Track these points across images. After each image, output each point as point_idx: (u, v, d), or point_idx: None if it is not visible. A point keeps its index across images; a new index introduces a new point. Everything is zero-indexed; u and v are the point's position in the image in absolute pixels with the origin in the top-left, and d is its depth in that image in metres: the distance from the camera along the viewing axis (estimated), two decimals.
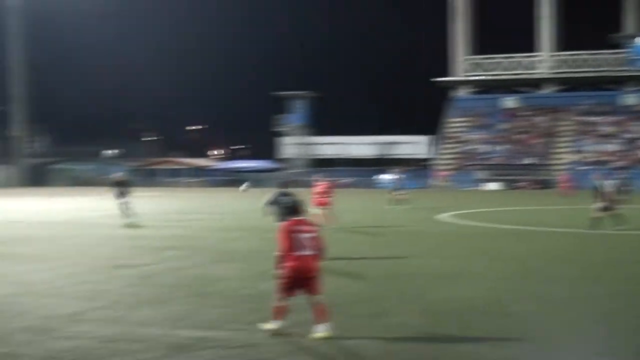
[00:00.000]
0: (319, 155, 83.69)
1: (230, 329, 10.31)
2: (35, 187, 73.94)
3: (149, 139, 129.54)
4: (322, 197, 26.32)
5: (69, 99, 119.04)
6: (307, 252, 9.91)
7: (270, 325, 9.97)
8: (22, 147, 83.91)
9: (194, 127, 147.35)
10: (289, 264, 9.86)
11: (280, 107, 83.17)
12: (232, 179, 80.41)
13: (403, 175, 42.07)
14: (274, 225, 14.45)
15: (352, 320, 10.90)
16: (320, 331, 9.73)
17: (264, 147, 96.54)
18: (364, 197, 42.60)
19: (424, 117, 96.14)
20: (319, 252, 10.10)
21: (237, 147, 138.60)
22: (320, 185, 26.83)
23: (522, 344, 9.66)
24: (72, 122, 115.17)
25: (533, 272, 16.05)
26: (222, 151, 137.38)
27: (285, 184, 19.81)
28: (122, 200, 29.05)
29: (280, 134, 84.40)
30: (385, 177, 40.81)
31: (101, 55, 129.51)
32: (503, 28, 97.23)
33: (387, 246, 21.11)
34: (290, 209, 10.76)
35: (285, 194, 18.40)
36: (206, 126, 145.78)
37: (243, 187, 30.24)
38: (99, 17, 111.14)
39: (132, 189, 30.08)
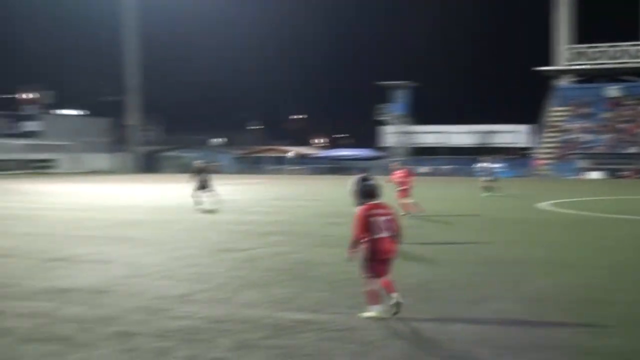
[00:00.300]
0: (419, 144, 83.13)
1: (331, 312, 10.41)
2: (148, 174, 75.93)
3: (254, 127, 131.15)
4: (400, 186, 25.90)
5: (180, 90, 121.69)
6: (384, 235, 10.03)
7: (371, 312, 10.03)
8: (136, 136, 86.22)
9: (297, 117, 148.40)
10: (367, 246, 10.00)
11: (382, 96, 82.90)
12: (334, 167, 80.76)
13: (495, 164, 41.37)
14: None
15: (449, 306, 10.87)
16: (393, 298, 9.90)
17: (366, 136, 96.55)
18: (462, 185, 42.20)
19: (525, 106, 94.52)
20: (396, 235, 10.18)
21: (339, 135, 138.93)
22: (398, 174, 26.28)
23: (625, 333, 9.40)
24: (181, 112, 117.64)
25: (637, 261, 15.65)
26: (325, 140, 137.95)
27: (366, 170, 19.84)
28: (202, 187, 29.15)
29: (381, 123, 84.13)
30: (481, 165, 40.19)
31: (210, 47, 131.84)
32: (606, 15, 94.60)
33: (485, 233, 20.88)
34: (367, 193, 10.71)
35: (366, 179, 18.59)
36: (308, 115, 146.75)
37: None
38: (208, 11, 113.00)
39: (212, 176, 30.22)
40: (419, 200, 26.22)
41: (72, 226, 22.24)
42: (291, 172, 79.43)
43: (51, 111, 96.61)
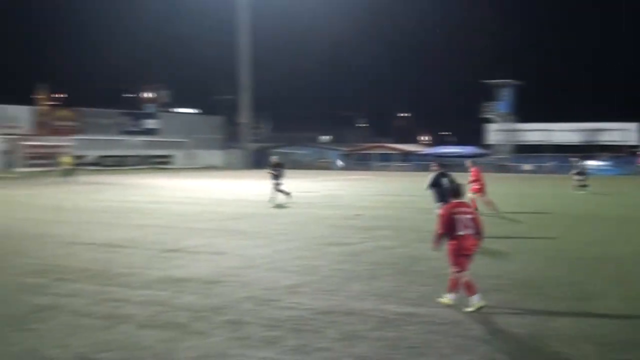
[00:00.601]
0: (524, 141, 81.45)
1: (436, 306, 10.35)
2: (258, 170, 76.92)
3: (361, 125, 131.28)
4: (473, 184, 25.16)
5: (289, 88, 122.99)
6: (467, 232, 10.26)
7: (473, 306, 10.05)
8: (247, 133, 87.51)
9: (402, 115, 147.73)
10: (452, 242, 10.32)
11: (486, 94, 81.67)
12: (443, 164, 79.96)
13: (587, 162, 40.21)
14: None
15: (554, 303, 10.65)
16: (448, 299, 10.36)
17: (470, 134, 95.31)
18: (563, 184, 41.12)
19: (634, 104, 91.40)
20: (478, 232, 10.39)
21: (443, 133, 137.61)
22: (472, 172, 25.69)
23: None
24: (290, 110, 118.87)
25: None
26: (429, 137, 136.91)
27: (444, 165, 20.03)
28: (276, 181, 29.46)
29: (486, 121, 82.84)
30: (575, 163, 39.28)
31: (318, 47, 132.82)
32: None
33: (582, 230, 20.34)
34: (452, 192, 11.05)
35: (444, 176, 18.73)
36: (414, 113, 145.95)
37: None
38: (316, 10, 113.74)
39: (285, 171, 30.64)
40: (511, 197, 25.72)
41: (187, 219, 22.77)
42: (397, 169, 79.05)
43: (169, 110, 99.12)
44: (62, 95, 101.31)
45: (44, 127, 74.04)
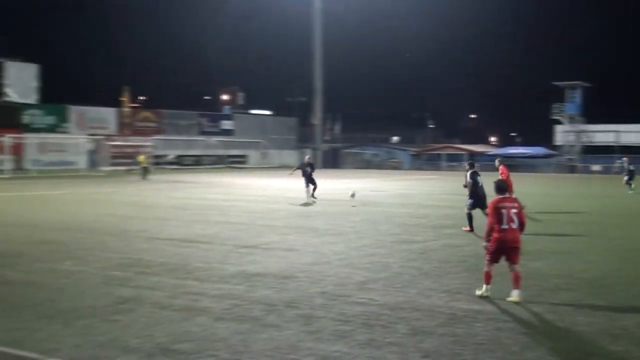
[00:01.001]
0: (592, 142, 79.68)
1: (503, 303, 10.19)
2: (330, 169, 77.09)
3: (431, 126, 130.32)
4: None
5: (360, 90, 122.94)
6: (512, 226, 10.44)
7: (481, 291, 10.66)
8: (320, 133, 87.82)
9: (472, 116, 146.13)
10: (496, 235, 10.48)
11: (555, 96, 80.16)
12: (506, 164, 78.79)
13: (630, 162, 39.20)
14: (542, 207, 14.09)
15: (624, 301, 10.42)
16: (514, 296, 10.29)
17: (538, 135, 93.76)
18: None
19: None
20: (522, 226, 10.58)
21: (512, 134, 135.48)
22: (500, 171, 24.97)
23: None
24: (361, 111, 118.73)
25: None
26: (497, 138, 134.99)
27: (473, 164, 20.25)
28: (308, 180, 29.53)
29: (554, 122, 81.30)
30: (622, 164, 38.64)
31: (389, 49, 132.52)
32: None
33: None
34: (496, 187, 11.17)
35: (478, 174, 19.44)
36: (482, 114, 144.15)
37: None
38: (387, 14, 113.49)
39: (316, 170, 30.79)
40: (577, 198, 25.18)
41: (261, 216, 22.94)
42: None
43: (244, 111, 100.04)
44: (144, 98, 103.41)
45: (127, 128, 75.67)
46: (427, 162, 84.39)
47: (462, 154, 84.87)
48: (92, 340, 8.29)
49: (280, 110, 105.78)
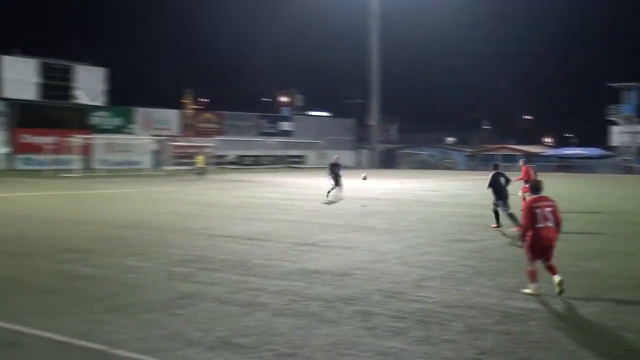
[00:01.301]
0: None
1: (559, 303, 10.03)
2: (386, 169, 76.91)
3: (486, 127, 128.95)
4: (524, 183, 24.50)
5: (417, 91, 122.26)
6: (547, 224, 10.49)
7: (529, 289, 10.57)
8: (377, 134, 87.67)
9: (527, 117, 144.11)
10: (532, 234, 10.52)
11: (611, 97, 78.59)
12: (562, 165, 77.58)
13: None
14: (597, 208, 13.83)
15: None
16: (556, 279, 10.33)
17: (594, 136, 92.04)
18: None
19: None
20: (558, 224, 10.63)
21: (566, 135, 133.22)
22: (523, 171, 24.97)
23: None
24: (417, 112, 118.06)
25: None
26: (553, 139, 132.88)
27: (497, 166, 20.49)
28: (335, 180, 30.31)
29: (610, 123, 79.70)
30: None
31: (444, 50, 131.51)
32: None
33: None
34: (532, 187, 11.35)
35: (500, 175, 19.59)
36: (537, 115, 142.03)
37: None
38: (441, 14, 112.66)
39: (343, 170, 31.68)
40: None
41: (319, 215, 22.98)
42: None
43: (303, 112, 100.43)
44: (206, 100, 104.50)
45: (189, 129, 76.61)
46: (482, 162, 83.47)
47: (517, 154, 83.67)
48: (156, 333, 8.40)
49: (338, 111, 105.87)
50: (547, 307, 9.80)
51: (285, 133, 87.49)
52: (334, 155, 34.43)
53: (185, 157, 66.92)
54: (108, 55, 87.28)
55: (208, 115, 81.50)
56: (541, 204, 10.68)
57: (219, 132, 79.77)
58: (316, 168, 76.69)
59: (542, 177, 18.20)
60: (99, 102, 69.08)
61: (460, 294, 10.62)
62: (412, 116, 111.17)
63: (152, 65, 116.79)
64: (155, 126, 73.58)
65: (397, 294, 10.62)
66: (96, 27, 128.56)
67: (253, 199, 30.37)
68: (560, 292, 10.24)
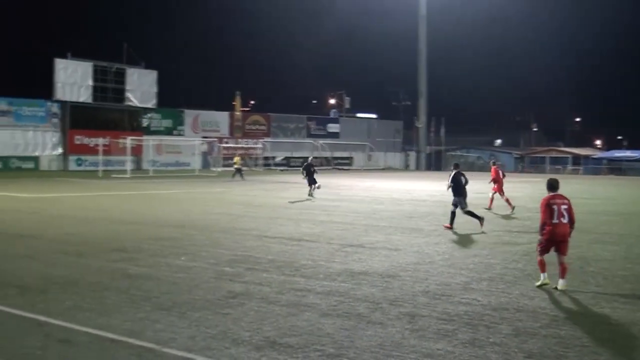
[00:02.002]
0: None
1: (607, 306, 9.89)
2: (433, 171, 76.51)
3: (535, 129, 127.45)
4: (493, 183, 26.84)
5: (463, 93, 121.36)
6: (562, 221, 11.10)
7: (539, 281, 11.24)
8: (424, 136, 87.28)
9: (576, 119, 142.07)
10: (548, 228, 11.12)
11: None
12: (612, 168, 76.35)
13: None
14: None
15: None
16: (561, 284, 10.96)
17: None
18: None
19: None
20: (572, 222, 11.23)
21: (619, 137, 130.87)
22: (492, 172, 26.99)
23: None
24: (466, 114, 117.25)
25: None
26: (603, 141, 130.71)
27: (458, 165, 20.81)
28: (309, 179, 31.97)
29: None
30: None
31: (492, 52, 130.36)
32: None
33: None
34: (549, 185, 11.66)
35: (461, 175, 19.91)
36: (588, 117, 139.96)
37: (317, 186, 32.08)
38: (488, 16, 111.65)
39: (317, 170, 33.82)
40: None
41: (366, 216, 22.94)
42: (570, 172, 76.20)
43: (350, 115, 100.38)
44: (254, 102, 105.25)
45: (238, 130, 77.14)
46: (530, 165, 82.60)
47: (566, 157, 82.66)
48: (205, 332, 8.48)
49: (385, 113, 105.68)
50: (597, 310, 9.66)
51: (333, 135, 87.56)
52: (310, 157, 36.33)
53: (233, 159, 67.54)
54: (159, 58, 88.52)
55: (256, 117, 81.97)
56: (557, 201, 11.27)
57: (266, 134, 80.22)
58: (363, 170, 76.63)
59: (592, 179, 17.92)
60: (150, 104, 69.96)
61: (508, 297, 10.52)
62: (459, 118, 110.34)
63: (201, 67, 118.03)
64: (204, 128, 74.29)
65: (444, 296, 10.56)
66: (147, 30, 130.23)
67: (300, 200, 30.45)
68: (556, 289, 10.95)
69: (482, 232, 18.74)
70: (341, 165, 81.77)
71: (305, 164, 33.48)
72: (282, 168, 74.27)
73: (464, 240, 17.12)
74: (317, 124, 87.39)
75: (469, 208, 19.74)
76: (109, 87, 66.83)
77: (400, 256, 14.51)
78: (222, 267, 12.99)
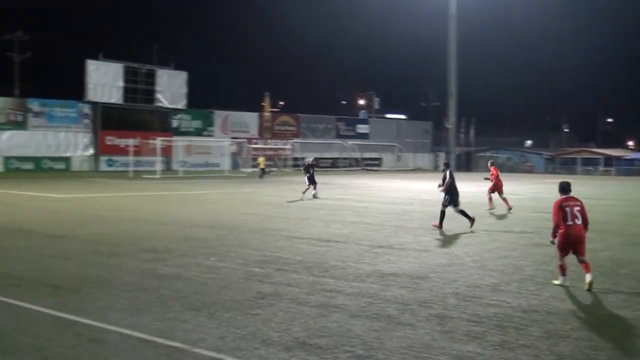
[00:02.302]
0: None
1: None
2: (464, 172, 76.07)
3: (565, 130, 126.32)
4: (492, 182, 26.60)
5: (492, 94, 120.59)
6: (576, 222, 11.33)
7: (558, 281, 11.49)
8: (454, 137, 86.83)
9: (608, 119, 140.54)
10: (562, 230, 11.34)
11: None
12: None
13: None
14: None
15: None
16: (587, 279, 11.05)
17: None
18: None
19: None
20: (585, 223, 11.48)
21: None
22: (491, 172, 26.79)
23: None
24: (496, 115, 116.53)
25: None
26: (636, 142, 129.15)
27: (449, 165, 20.95)
28: (309, 180, 32.08)
29: None
30: None
31: (522, 51, 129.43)
32: None
33: None
34: (561, 188, 11.87)
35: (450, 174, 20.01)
36: (620, 118, 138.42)
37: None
38: (521, 19, 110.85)
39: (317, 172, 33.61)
40: None
41: (395, 217, 22.90)
42: (602, 174, 75.45)
43: (379, 115, 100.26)
44: (283, 103, 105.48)
45: (267, 131, 77.39)
46: (561, 166, 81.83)
47: (598, 158, 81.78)
48: (235, 332, 8.52)
49: (414, 114, 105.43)
50: (627, 314, 9.55)
51: (362, 136, 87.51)
52: (309, 158, 36.92)
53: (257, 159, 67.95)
54: (188, 59, 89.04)
55: (285, 117, 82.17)
56: (570, 203, 11.51)
57: (296, 135, 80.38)
58: (393, 171, 76.49)
59: (625, 181, 17.72)
60: (180, 105, 70.41)
61: (538, 299, 10.44)
62: (489, 119, 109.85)
63: (231, 68, 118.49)
64: (234, 129, 74.63)
65: (474, 297, 10.51)
66: (177, 31, 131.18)
67: (329, 201, 30.46)
68: (589, 290, 10.91)
69: (471, 232, 18.85)
70: (370, 166, 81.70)
71: (305, 164, 33.84)
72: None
73: (494, 242, 17.02)
74: (347, 125, 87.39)
75: (460, 207, 19.84)
76: (139, 88, 67.40)
77: (430, 257, 14.47)
78: (252, 267, 13.04)
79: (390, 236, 17.89)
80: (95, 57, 65.00)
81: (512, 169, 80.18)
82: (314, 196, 31.63)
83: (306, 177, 32.56)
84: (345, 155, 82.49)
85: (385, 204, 28.83)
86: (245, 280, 11.83)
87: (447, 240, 17.32)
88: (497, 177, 26.56)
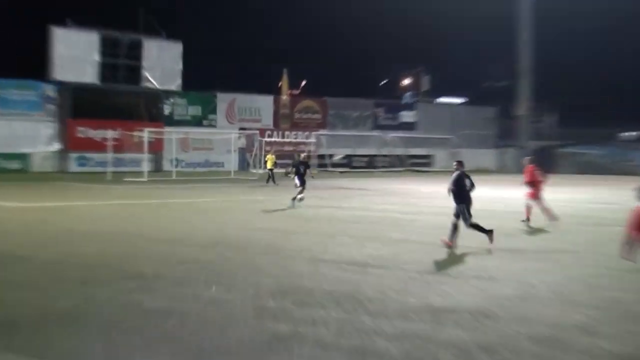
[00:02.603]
0: None
1: None
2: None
3: None
4: (528, 187, 26.37)
5: (579, 73, 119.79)
6: None
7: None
8: (527, 128, 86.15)
9: None
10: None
11: None
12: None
13: None
14: None
15: None
16: None
17: None
18: None
19: None
20: None
21: None
22: (527, 172, 26.57)
23: None
24: (581, 100, 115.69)
25: None
26: None
27: (462, 163, 20.83)
28: (300, 180, 33.07)
29: None
30: None
31: (617, 21, 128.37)
32: None
33: None
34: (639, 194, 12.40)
35: (466, 176, 20.29)
36: None
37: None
38: None
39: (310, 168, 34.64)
40: None
41: (447, 233, 22.76)
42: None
43: (430, 99, 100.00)
44: (305, 83, 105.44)
45: (285, 120, 77.42)
46: None
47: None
48: None
49: (475, 98, 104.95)
50: None
51: (407, 126, 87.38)
52: (302, 153, 37.32)
53: (280, 157, 67.83)
54: (184, 26, 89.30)
55: (309, 102, 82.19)
56: None
57: (322, 125, 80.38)
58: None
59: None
60: (173, 86, 70.71)
61: None
62: (575, 105, 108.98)
63: (239, 39, 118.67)
64: (243, 117, 74.86)
65: (556, 341, 10.43)
66: None
67: (364, 212, 30.43)
68: None
69: (489, 250, 18.78)
70: (418, 165, 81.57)
71: (294, 161, 35.19)
72: (342, 169, 74.26)
73: (580, 267, 16.88)
74: (387, 112, 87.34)
75: (473, 220, 19.91)
76: (120, 63, 67.89)
77: (496, 287, 14.39)
78: (264, 300, 13.01)
79: (443, 258, 17.85)
80: (62, 24, 65.34)
81: (608, 170, 79.49)
82: (297, 199, 32.28)
83: (296, 177, 33.13)
84: (385, 151, 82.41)
85: (437, 216, 28.67)
86: (256, 317, 11.81)
87: (518, 263, 17.19)
88: (534, 177, 26.55)
